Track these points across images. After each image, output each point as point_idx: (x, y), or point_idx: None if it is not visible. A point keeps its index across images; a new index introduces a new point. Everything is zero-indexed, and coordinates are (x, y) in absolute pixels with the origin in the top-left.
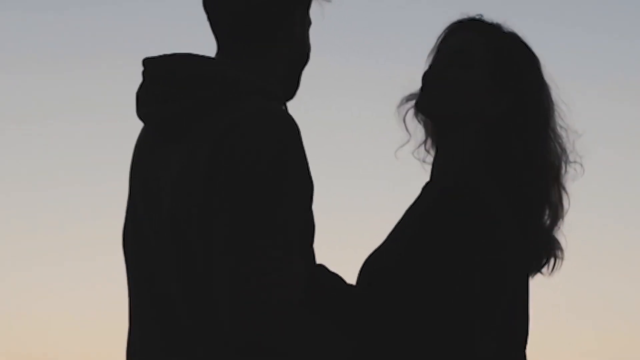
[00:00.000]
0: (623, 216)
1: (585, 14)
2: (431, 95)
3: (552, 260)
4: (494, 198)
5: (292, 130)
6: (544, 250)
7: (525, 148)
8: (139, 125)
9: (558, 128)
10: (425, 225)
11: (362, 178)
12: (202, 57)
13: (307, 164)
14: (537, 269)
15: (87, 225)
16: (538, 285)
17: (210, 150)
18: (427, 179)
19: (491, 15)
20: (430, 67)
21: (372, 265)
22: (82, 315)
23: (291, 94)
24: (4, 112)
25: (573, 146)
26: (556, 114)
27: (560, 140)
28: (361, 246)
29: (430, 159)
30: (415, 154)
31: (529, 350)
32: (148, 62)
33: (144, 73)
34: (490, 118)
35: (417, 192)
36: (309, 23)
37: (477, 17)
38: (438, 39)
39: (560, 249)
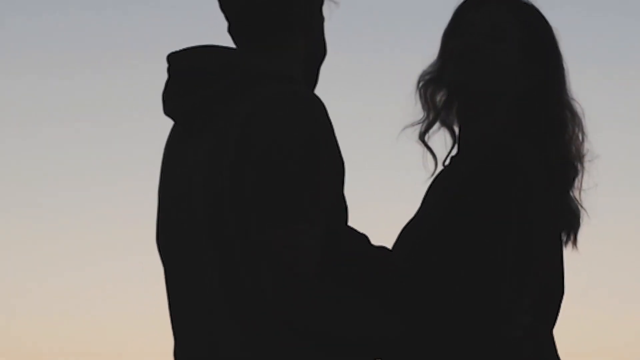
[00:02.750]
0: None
1: None
2: (467, 70)
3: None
4: (532, 165)
5: (321, 109)
6: (575, 216)
7: (555, 120)
8: (163, 123)
9: (573, 99)
10: (465, 192)
11: (365, 169)
12: (225, 48)
13: (337, 143)
14: (571, 236)
15: (125, 224)
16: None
17: (239, 133)
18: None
19: None
20: (459, 40)
21: (410, 235)
22: (119, 315)
23: (312, 87)
24: (36, 111)
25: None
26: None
27: (577, 112)
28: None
29: (440, 137)
30: (421, 134)
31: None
32: (171, 58)
33: (168, 69)
34: (521, 92)
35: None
36: (322, 19)
37: None
38: (458, 11)
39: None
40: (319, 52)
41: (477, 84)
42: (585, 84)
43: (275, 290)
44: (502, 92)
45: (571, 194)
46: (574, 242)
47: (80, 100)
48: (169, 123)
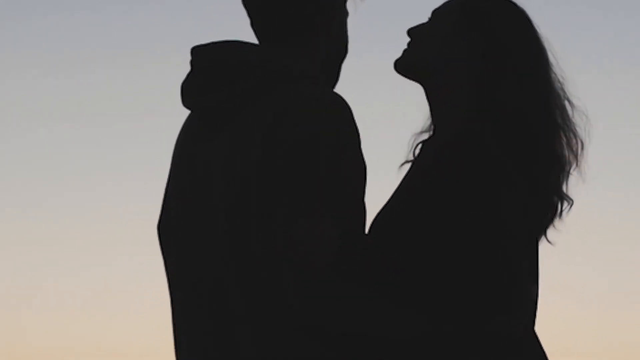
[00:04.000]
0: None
1: None
2: (402, 55)
3: (556, 217)
4: (491, 149)
5: (346, 112)
6: (549, 205)
7: (510, 91)
8: (168, 121)
9: (555, 77)
10: (429, 179)
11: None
12: (249, 44)
13: (360, 146)
14: (545, 227)
15: (134, 222)
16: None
17: (264, 136)
18: None
19: None
20: None
21: (380, 223)
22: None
23: (333, 85)
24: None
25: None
26: (551, 65)
27: (559, 90)
28: None
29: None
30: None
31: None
32: (196, 51)
33: (191, 62)
34: (471, 62)
35: None
36: (347, 14)
37: None
38: None
39: (565, 200)
40: (340, 49)
41: (408, 63)
42: (578, 81)
43: (291, 283)
44: (444, 66)
45: (547, 178)
46: (546, 236)
47: (86, 99)
48: (174, 121)
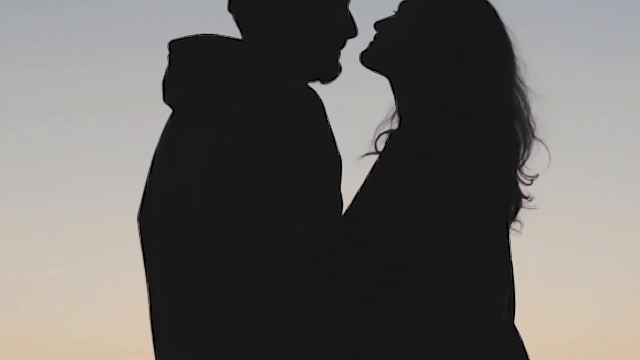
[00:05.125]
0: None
1: None
2: (367, 48)
3: (518, 208)
4: (457, 138)
5: (315, 102)
6: (509, 196)
7: (472, 81)
8: (163, 116)
9: (518, 68)
10: (396, 170)
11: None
12: (226, 37)
13: (332, 137)
14: (510, 217)
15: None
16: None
17: (235, 132)
18: None
19: None
20: None
21: (349, 218)
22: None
23: (327, 75)
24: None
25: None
26: (514, 56)
27: (521, 80)
28: None
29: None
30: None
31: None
32: (173, 45)
33: (169, 56)
34: (433, 52)
35: None
36: (331, 4)
37: None
38: None
39: (522, 196)
40: (318, 40)
41: (371, 56)
42: (541, 66)
43: (264, 279)
44: (404, 57)
45: (512, 174)
46: (514, 226)
47: (79, 94)
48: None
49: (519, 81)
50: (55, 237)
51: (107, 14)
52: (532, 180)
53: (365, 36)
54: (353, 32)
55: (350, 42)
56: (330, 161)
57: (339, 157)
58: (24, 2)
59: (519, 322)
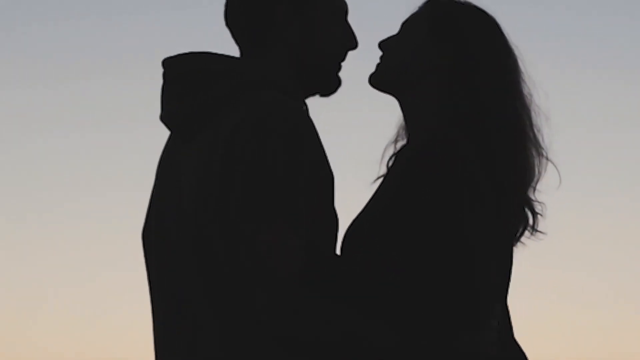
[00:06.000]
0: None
1: None
2: (375, 70)
3: (529, 227)
4: (463, 155)
5: (303, 118)
6: (519, 214)
7: (481, 101)
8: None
9: (525, 86)
10: (401, 185)
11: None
12: (218, 54)
13: (323, 153)
14: (518, 236)
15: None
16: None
17: (223, 149)
18: None
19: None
20: None
21: (354, 232)
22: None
23: (325, 88)
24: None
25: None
26: (521, 74)
27: (529, 99)
28: None
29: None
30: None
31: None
32: (167, 62)
33: (163, 74)
34: (442, 71)
35: None
36: (336, 15)
37: None
38: None
39: (535, 213)
40: (311, 54)
41: (382, 77)
42: (549, 82)
43: (258, 299)
44: (417, 76)
45: (516, 188)
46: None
47: (86, 109)
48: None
49: (526, 99)
50: (63, 254)
51: (115, 30)
52: (541, 208)
53: (366, 50)
54: (353, 44)
55: (351, 56)
56: (320, 177)
57: (331, 172)
58: (33, 18)
59: (526, 338)
